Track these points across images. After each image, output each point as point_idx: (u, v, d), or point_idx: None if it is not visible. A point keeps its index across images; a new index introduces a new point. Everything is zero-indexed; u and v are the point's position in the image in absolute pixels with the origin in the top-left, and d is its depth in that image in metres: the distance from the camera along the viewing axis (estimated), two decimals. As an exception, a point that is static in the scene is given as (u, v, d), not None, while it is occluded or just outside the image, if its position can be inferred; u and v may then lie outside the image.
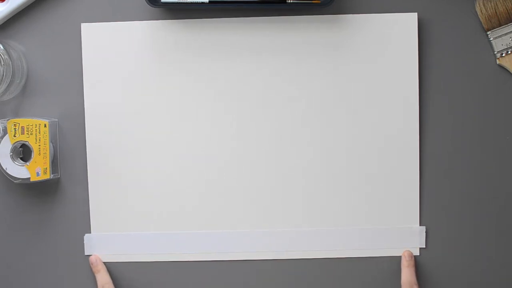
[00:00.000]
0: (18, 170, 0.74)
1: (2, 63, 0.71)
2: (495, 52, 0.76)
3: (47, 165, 0.74)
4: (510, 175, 0.76)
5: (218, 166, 0.76)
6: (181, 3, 0.73)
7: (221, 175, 0.76)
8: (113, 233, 0.76)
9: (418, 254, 0.76)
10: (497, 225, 0.76)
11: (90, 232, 0.76)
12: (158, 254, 0.76)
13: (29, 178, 0.74)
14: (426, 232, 0.76)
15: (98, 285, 0.75)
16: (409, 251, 0.75)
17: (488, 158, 0.76)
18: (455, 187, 0.76)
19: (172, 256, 0.76)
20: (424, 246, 0.76)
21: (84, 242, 0.76)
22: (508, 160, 0.76)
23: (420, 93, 0.76)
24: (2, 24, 0.76)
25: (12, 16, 0.76)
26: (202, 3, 0.73)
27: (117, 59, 0.75)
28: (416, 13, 0.75)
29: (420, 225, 0.76)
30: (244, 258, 0.76)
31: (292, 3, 0.73)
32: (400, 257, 0.76)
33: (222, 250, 0.76)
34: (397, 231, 0.76)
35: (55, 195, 0.77)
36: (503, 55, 0.76)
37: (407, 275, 0.74)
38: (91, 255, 0.76)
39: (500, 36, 0.75)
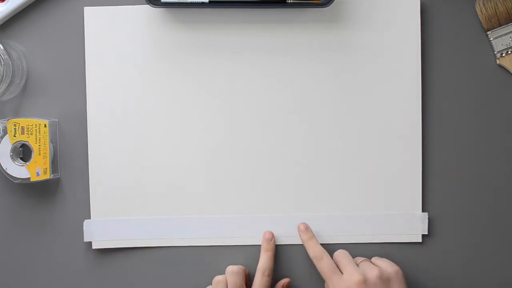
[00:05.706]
0: (18, 170, 0.74)
1: (2, 63, 0.71)
2: (495, 52, 0.76)
3: (47, 165, 0.74)
4: (510, 174, 0.77)
5: (220, 165, 0.76)
6: (181, 3, 0.73)
7: (222, 172, 0.76)
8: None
9: (421, 240, 0.76)
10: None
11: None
12: (157, 239, 0.76)
13: (29, 178, 0.74)
14: (428, 218, 0.76)
15: (259, 266, 0.73)
16: (302, 224, 0.75)
17: (488, 158, 0.76)
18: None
19: (171, 242, 0.76)
20: (427, 233, 0.76)
21: (84, 233, 0.76)
22: (508, 160, 0.76)
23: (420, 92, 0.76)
24: (2, 24, 0.76)
25: (12, 16, 0.76)
26: (202, 3, 0.73)
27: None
28: (418, 0, 0.75)
29: (422, 211, 0.76)
30: (245, 243, 0.76)
31: (292, 3, 0.73)
32: (400, 243, 0.76)
33: (222, 235, 0.76)
34: (400, 217, 0.76)
35: (55, 195, 0.77)
36: (503, 55, 0.76)
37: (312, 247, 0.73)
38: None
39: (500, 36, 0.75)
